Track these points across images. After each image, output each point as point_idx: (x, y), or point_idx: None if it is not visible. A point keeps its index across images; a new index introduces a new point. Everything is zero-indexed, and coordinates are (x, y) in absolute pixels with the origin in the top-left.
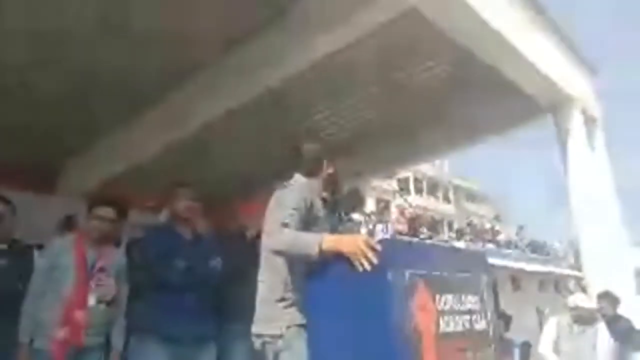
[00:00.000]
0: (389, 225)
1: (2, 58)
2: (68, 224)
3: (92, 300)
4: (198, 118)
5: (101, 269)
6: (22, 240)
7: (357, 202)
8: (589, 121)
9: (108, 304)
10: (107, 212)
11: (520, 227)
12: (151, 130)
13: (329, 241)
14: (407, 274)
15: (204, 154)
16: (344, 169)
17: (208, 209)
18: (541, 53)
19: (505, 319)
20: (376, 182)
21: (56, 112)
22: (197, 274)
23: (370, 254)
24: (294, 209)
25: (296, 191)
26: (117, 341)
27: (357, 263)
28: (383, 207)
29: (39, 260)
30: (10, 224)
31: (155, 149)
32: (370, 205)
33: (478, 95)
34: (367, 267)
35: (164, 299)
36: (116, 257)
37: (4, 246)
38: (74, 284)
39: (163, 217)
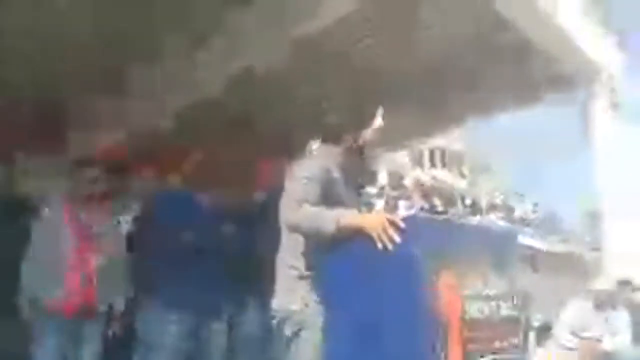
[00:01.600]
0: (414, 202)
1: None
2: None
3: (94, 261)
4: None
5: (98, 229)
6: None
7: (368, 175)
8: (614, 94)
9: (111, 264)
10: (92, 172)
11: (535, 205)
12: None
13: (348, 217)
14: (431, 253)
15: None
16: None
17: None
18: (568, 18)
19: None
20: (388, 155)
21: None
22: (209, 242)
23: (391, 231)
24: (310, 180)
25: (313, 161)
26: (119, 304)
27: (378, 241)
28: (398, 179)
29: (34, 227)
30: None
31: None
32: (382, 177)
33: (499, 60)
34: (389, 245)
35: (174, 265)
36: (111, 217)
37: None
38: (74, 246)
39: (176, 180)
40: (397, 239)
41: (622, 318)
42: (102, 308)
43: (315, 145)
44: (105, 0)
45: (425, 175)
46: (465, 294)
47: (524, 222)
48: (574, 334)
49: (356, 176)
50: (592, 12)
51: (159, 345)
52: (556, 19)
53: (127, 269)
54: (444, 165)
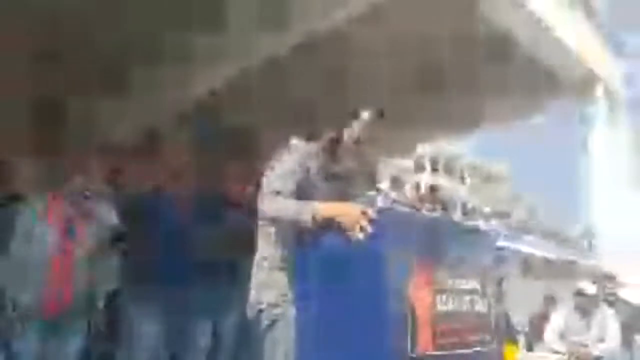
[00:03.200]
0: (389, 196)
1: None
2: None
3: (75, 257)
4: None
5: (80, 225)
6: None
7: (369, 178)
8: (614, 103)
9: (92, 260)
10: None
11: (531, 208)
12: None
13: (323, 209)
14: (403, 246)
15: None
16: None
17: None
18: (567, 28)
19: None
20: (392, 160)
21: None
22: (190, 240)
23: (365, 223)
24: (288, 175)
25: (291, 157)
26: (100, 299)
27: (351, 232)
28: (399, 184)
29: (16, 223)
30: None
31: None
32: (385, 182)
33: (497, 69)
34: (361, 237)
35: (156, 264)
36: (97, 212)
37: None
38: (55, 242)
39: (158, 178)
40: (370, 230)
41: (610, 321)
42: (82, 304)
43: (294, 141)
44: None
45: (426, 180)
46: (437, 287)
47: (521, 228)
48: (562, 338)
49: (335, 174)
50: (590, 20)
51: (142, 344)
52: (555, 30)
53: (109, 267)
54: (446, 171)
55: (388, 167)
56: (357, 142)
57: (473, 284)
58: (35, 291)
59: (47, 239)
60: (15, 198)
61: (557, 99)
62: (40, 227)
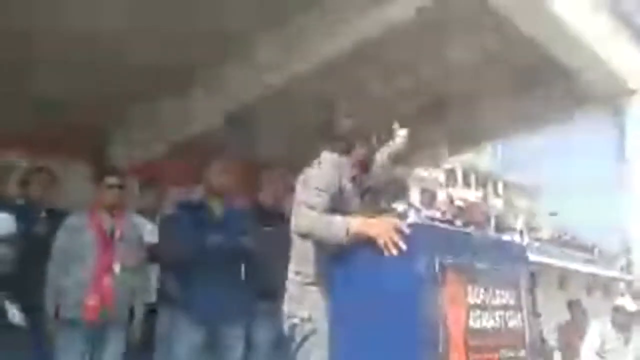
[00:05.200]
0: (422, 211)
1: None
2: None
3: (116, 268)
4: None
5: (120, 237)
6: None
7: (399, 191)
8: None
9: (132, 271)
10: (114, 180)
11: (553, 214)
12: (201, 102)
13: (357, 225)
14: (437, 261)
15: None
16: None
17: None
18: (601, 38)
19: None
20: (422, 173)
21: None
22: (226, 252)
23: (397, 238)
24: (321, 189)
25: (324, 170)
26: (139, 311)
27: (384, 248)
28: (429, 198)
29: (59, 234)
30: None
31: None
32: (414, 196)
33: (530, 80)
34: (394, 252)
35: (194, 275)
36: (135, 225)
37: (42, 214)
38: (97, 252)
39: (197, 192)
40: (403, 245)
41: None
42: (122, 314)
43: (327, 154)
44: None
45: (458, 194)
46: (470, 303)
47: (555, 242)
48: (598, 354)
49: (368, 189)
50: (622, 29)
51: (179, 352)
52: (584, 37)
53: (148, 276)
54: (480, 184)
55: (417, 181)
56: (390, 159)
57: (507, 298)
58: (77, 299)
59: (90, 250)
60: (59, 211)
61: (590, 108)
62: (84, 237)
